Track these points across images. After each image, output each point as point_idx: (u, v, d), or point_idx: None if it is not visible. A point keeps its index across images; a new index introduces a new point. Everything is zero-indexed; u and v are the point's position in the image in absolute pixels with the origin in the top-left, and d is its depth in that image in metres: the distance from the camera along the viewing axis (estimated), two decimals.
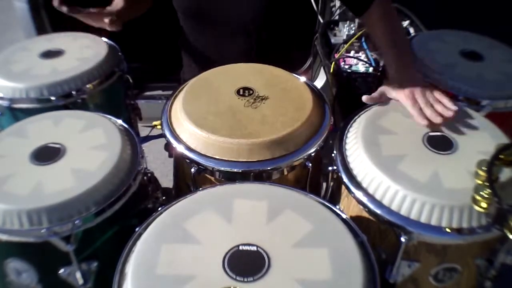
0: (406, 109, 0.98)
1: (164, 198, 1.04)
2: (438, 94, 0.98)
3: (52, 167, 0.87)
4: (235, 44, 1.24)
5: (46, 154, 0.89)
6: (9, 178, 0.84)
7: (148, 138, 1.32)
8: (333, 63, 1.45)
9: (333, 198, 0.99)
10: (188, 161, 0.92)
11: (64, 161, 0.88)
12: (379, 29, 1.09)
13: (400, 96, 0.99)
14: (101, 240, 0.87)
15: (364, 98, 1.01)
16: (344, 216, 0.77)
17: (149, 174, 0.99)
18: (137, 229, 0.75)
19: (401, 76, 1.02)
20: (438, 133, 0.92)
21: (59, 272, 0.83)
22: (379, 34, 1.10)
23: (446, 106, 0.95)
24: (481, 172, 0.73)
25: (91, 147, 0.91)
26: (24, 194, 0.81)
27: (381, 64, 1.42)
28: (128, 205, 0.87)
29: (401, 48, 1.07)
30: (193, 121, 0.94)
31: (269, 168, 0.90)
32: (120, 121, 1.02)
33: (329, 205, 0.79)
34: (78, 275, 0.83)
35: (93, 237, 0.86)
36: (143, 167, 0.95)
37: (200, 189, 0.87)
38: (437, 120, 0.92)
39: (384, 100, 1.02)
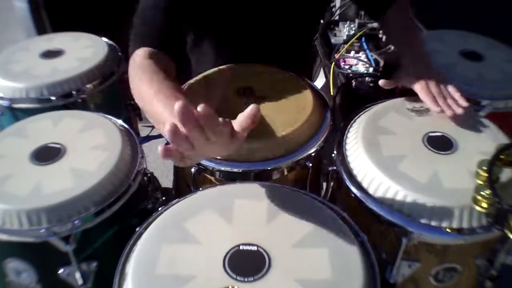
0: (406, 109, 0.98)
1: (164, 198, 1.04)
2: (451, 88, 0.99)
3: (51, 167, 0.87)
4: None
5: (46, 154, 0.89)
6: (9, 178, 0.84)
7: (148, 138, 1.32)
8: (333, 63, 1.45)
9: (333, 198, 0.99)
10: None
11: (64, 161, 0.88)
12: (394, 24, 1.15)
13: (415, 86, 1.00)
14: (101, 240, 0.87)
15: (381, 82, 1.03)
16: (344, 216, 0.77)
17: (149, 174, 0.99)
18: (137, 229, 0.75)
19: (417, 67, 1.03)
20: (438, 133, 0.91)
21: (59, 272, 0.83)
22: (393, 29, 1.16)
23: (457, 102, 0.96)
24: (481, 172, 0.72)
25: (91, 147, 0.91)
26: (23, 194, 0.81)
27: (381, 64, 1.42)
28: (127, 205, 0.87)
29: (414, 41, 1.10)
30: None
31: (269, 168, 0.90)
32: (120, 121, 1.02)
33: (329, 205, 0.79)
34: (78, 275, 0.83)
35: (93, 237, 0.85)
36: (143, 167, 0.95)
37: (200, 189, 0.87)
38: (448, 112, 0.94)
39: (400, 86, 1.04)
